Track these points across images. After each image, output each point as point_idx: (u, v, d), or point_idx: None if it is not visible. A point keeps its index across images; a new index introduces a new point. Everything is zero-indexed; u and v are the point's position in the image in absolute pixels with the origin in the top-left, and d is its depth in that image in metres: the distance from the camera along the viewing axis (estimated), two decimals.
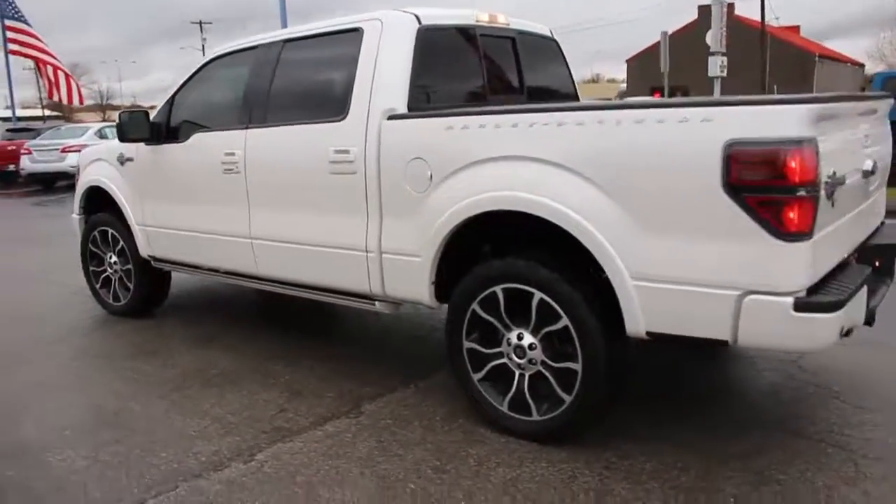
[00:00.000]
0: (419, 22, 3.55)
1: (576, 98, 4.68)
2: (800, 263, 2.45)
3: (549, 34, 4.57)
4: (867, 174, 2.98)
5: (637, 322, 2.74)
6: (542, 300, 2.97)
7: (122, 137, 4.48)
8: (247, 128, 4.06)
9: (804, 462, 2.90)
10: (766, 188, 2.42)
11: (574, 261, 2.90)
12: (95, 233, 5.25)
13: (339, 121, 3.56)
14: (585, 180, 2.78)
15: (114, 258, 5.18)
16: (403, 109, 3.42)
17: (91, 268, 5.39)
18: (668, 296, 2.66)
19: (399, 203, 3.37)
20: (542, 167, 2.89)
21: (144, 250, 4.87)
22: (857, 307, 2.66)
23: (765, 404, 3.52)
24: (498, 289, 3.09)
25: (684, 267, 2.62)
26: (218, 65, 4.46)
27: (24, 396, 3.89)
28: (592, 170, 2.77)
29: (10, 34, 20.06)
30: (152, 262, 4.90)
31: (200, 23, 53.92)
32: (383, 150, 3.40)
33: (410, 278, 3.39)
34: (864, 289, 2.75)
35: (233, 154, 4.08)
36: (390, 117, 3.39)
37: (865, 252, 3.30)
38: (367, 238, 3.52)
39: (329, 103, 3.66)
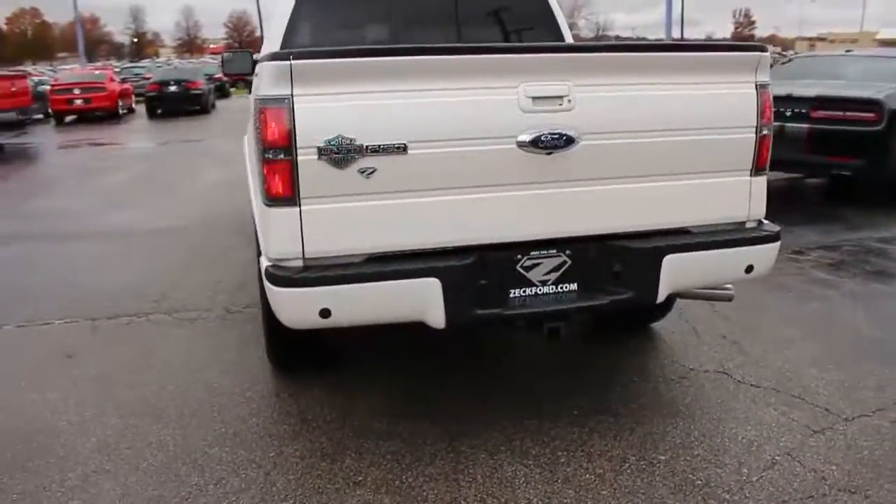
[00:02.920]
0: None
1: (555, 36, 4.20)
2: (281, 230, 2.34)
3: None
4: (529, 145, 2.36)
5: None
6: None
7: (224, 72, 5.81)
8: None
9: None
10: (259, 149, 2.37)
11: None
12: None
13: None
14: None
15: None
16: None
17: None
18: None
19: None
20: None
21: None
22: (373, 295, 2.36)
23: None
24: None
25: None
26: None
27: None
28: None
29: None
30: None
31: None
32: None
33: None
34: (421, 282, 2.36)
35: None
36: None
37: (601, 252, 2.58)
38: None
39: None
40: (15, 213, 7.62)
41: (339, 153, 2.28)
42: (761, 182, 2.74)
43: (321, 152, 2.27)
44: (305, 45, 3.86)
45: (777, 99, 6.73)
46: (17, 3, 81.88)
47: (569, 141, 2.40)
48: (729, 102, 2.62)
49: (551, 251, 2.56)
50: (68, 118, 19.41)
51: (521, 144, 2.38)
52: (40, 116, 19.39)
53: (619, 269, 2.58)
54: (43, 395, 3.22)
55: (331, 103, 2.27)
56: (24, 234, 6.52)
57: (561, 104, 2.41)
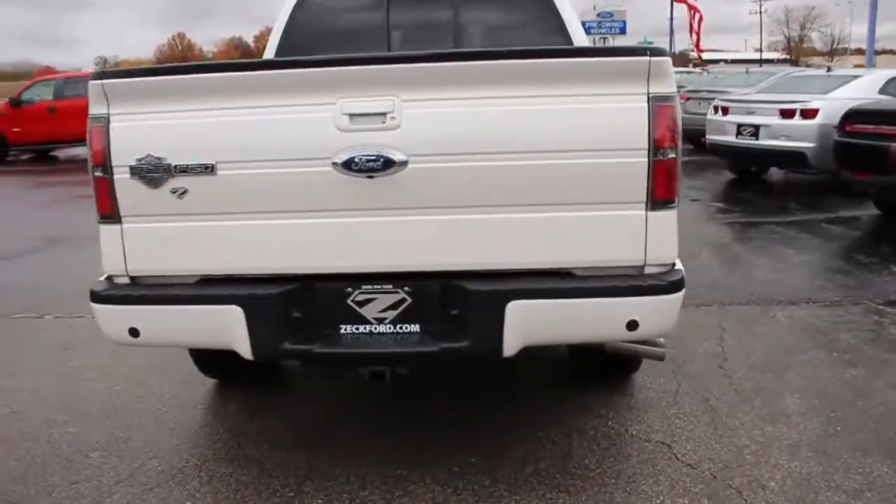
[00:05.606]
0: None
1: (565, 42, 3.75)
2: (107, 247, 2.34)
3: None
4: (343, 167, 2.12)
5: None
6: None
7: None
8: None
9: None
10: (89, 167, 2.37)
11: None
12: None
13: None
14: None
15: None
16: None
17: None
18: None
19: None
20: None
21: None
22: (176, 320, 2.30)
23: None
24: None
25: None
26: None
27: None
28: None
29: None
30: None
31: None
32: None
33: None
34: (222, 309, 2.24)
35: None
36: None
37: (443, 291, 2.26)
38: None
39: None
40: None
41: (150, 172, 2.23)
42: (665, 217, 2.21)
43: (133, 171, 2.24)
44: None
45: None
46: (262, 23, 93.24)
47: (388, 163, 2.13)
48: (609, 119, 2.15)
49: (386, 286, 2.29)
50: None
51: (336, 166, 2.16)
52: None
53: (457, 313, 2.23)
54: (12, 382, 3.54)
55: (143, 122, 2.23)
56: None
57: (384, 122, 2.14)
